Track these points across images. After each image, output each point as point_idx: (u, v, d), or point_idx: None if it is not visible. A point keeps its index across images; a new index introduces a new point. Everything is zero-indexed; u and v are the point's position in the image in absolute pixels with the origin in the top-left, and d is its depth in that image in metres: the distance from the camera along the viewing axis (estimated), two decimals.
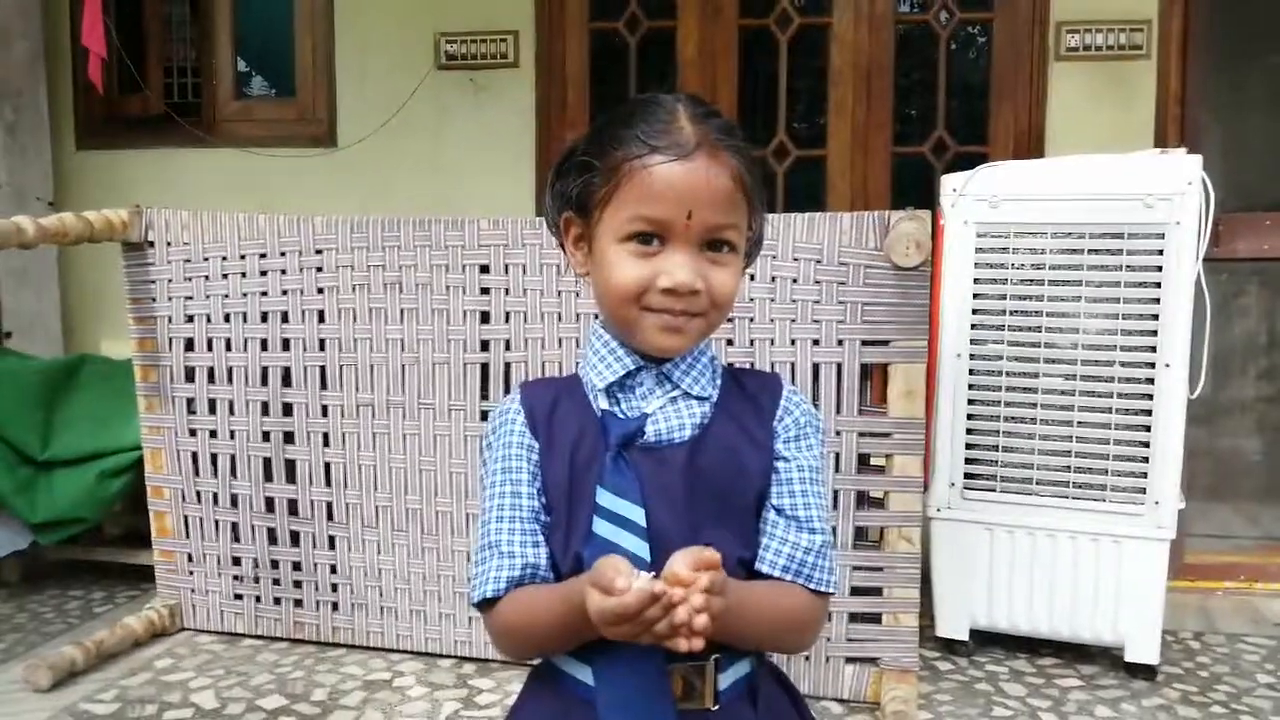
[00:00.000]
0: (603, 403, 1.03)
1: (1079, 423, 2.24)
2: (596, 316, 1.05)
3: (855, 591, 2.06)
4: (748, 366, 2.00)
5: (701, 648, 0.86)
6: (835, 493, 2.03)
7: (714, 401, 1.04)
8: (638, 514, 0.98)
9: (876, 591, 2.06)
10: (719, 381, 1.06)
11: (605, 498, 0.99)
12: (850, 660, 2.09)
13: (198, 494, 2.43)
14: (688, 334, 1.00)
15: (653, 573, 0.87)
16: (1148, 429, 2.20)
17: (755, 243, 1.07)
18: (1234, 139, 3.50)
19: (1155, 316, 2.18)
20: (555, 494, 1.02)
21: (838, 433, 2.03)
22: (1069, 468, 2.25)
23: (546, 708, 1.03)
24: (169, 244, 2.38)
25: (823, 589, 1.03)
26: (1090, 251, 2.21)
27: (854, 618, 2.08)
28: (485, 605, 1.01)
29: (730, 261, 1.00)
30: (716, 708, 0.98)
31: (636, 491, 0.99)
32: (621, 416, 1.03)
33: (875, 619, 2.07)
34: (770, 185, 3.37)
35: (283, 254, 2.31)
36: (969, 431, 2.31)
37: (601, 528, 0.98)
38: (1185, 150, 2.28)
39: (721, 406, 1.04)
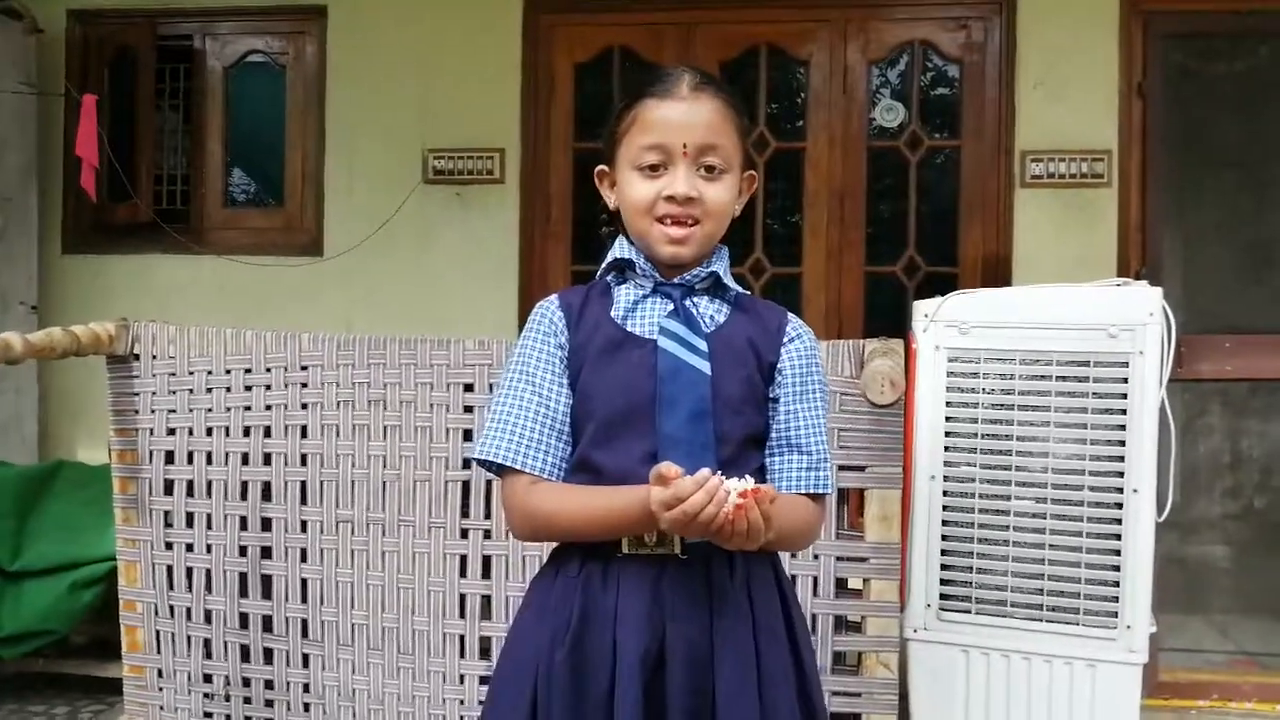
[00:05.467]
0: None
1: (1051, 545, 2.27)
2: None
3: (835, 718, 2.06)
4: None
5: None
6: (814, 617, 2.04)
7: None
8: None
9: (855, 718, 2.06)
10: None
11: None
12: None
13: (171, 609, 2.40)
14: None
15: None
16: (1118, 553, 2.23)
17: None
18: (1194, 262, 3.64)
19: (1122, 442, 2.23)
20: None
21: (815, 556, 2.05)
22: (1042, 590, 2.28)
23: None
24: (154, 357, 2.40)
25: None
26: (1058, 378, 2.28)
27: None
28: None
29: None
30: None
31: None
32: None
33: None
34: None
35: (268, 369, 2.34)
36: (944, 552, 2.34)
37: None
38: (1146, 278, 2.38)
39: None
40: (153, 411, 2.40)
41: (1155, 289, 2.27)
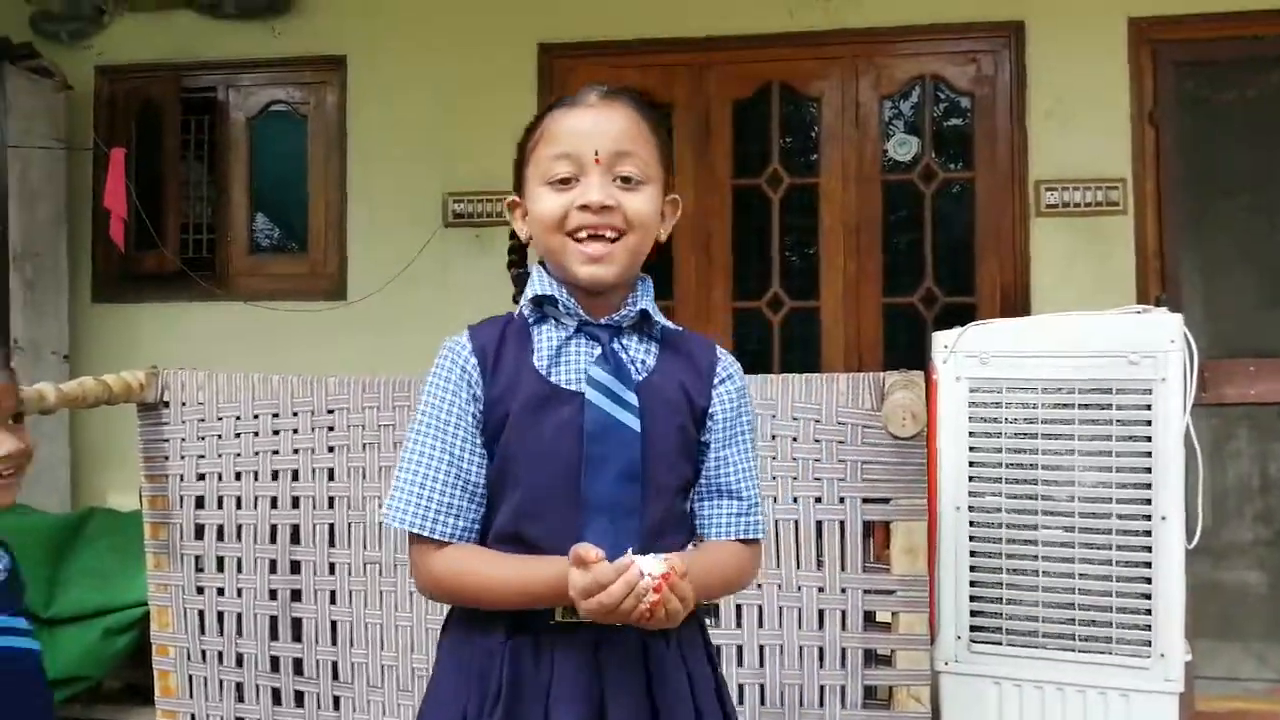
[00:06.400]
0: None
1: (1080, 574, 2.25)
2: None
3: None
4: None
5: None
6: (843, 651, 2.04)
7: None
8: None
9: None
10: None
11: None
12: None
13: (203, 653, 2.42)
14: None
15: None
16: (1149, 580, 2.22)
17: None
18: (1215, 287, 3.63)
19: (1148, 469, 2.22)
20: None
21: (843, 590, 2.05)
22: (1073, 620, 2.26)
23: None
24: (184, 404, 2.44)
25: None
26: (1080, 406, 2.28)
27: None
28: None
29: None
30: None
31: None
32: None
33: None
34: (767, 335, 3.48)
35: (295, 413, 2.37)
36: (972, 584, 2.32)
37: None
38: (1166, 304, 2.38)
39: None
40: (182, 457, 2.43)
41: (1175, 315, 2.27)
